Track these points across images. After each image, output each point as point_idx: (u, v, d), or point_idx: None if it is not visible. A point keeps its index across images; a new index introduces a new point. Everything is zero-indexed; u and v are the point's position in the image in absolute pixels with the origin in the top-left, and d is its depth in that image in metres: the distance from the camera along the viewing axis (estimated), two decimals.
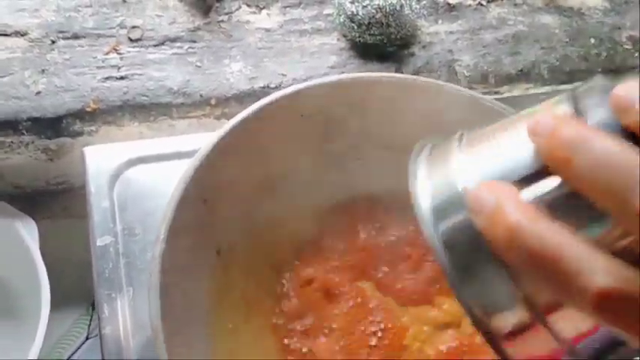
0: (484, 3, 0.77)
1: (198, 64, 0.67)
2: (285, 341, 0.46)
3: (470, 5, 0.76)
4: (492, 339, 0.24)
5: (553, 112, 0.24)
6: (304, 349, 0.46)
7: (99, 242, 0.54)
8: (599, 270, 0.20)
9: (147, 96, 0.64)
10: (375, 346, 0.46)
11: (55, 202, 0.72)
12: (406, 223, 0.52)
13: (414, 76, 0.52)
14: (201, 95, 0.65)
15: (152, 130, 0.65)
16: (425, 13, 0.73)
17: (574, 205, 0.22)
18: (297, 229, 0.50)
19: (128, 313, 0.52)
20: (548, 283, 0.21)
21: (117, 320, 0.51)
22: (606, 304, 0.20)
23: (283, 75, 0.67)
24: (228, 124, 0.47)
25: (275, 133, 0.49)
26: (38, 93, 0.63)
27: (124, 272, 0.53)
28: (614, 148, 0.20)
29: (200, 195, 0.45)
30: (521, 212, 0.22)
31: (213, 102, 0.65)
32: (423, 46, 0.72)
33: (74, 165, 0.68)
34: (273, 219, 0.49)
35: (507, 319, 0.23)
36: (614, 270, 0.20)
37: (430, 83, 0.52)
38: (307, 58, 0.69)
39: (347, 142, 0.52)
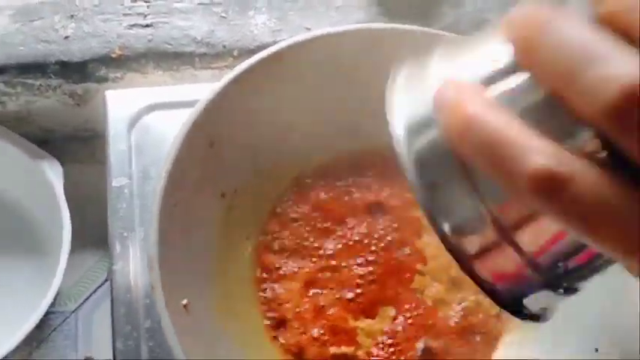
0: None
1: (223, 14, 0.67)
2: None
3: None
4: (460, 258, 0.24)
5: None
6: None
7: (114, 183, 0.56)
8: (535, 150, 0.20)
9: (171, 44, 0.65)
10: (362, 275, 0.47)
11: (80, 148, 0.75)
12: None
13: (421, 28, 0.51)
14: (224, 46, 0.66)
15: (175, 79, 0.66)
16: None
17: (537, 101, 0.21)
18: (300, 177, 0.50)
19: (139, 252, 0.53)
20: (495, 174, 0.21)
21: (127, 257, 0.53)
22: (541, 185, 0.19)
23: (307, 29, 0.67)
24: (237, 68, 0.47)
25: (284, 81, 0.49)
26: (66, 37, 0.64)
27: (137, 213, 0.55)
28: (573, 30, 0.20)
29: (207, 137, 0.46)
30: (478, 104, 0.21)
31: (235, 53, 0.66)
32: (453, 5, 0.70)
33: (99, 111, 0.70)
34: (277, 167, 0.50)
35: (474, 239, 0.23)
36: (549, 151, 0.20)
37: (440, 34, 0.51)
38: (333, 13, 0.68)
39: (356, 93, 0.51)
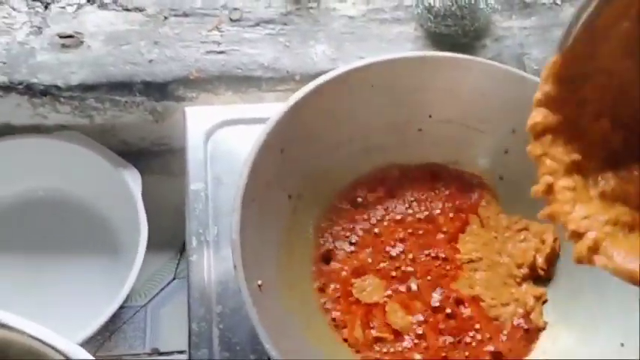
0: (559, 2, 0.81)
1: (287, 44, 0.75)
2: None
3: (544, 4, 0.80)
4: None
5: None
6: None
7: (192, 187, 0.63)
8: None
9: (241, 69, 0.73)
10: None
11: (155, 160, 0.83)
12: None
13: (476, 57, 0.58)
14: (287, 72, 0.74)
15: (243, 100, 0.74)
16: (499, 8, 0.79)
17: None
18: (352, 184, 0.57)
19: (212, 247, 0.60)
20: None
21: (202, 251, 0.60)
22: None
23: (362, 58, 0.74)
24: (307, 87, 0.54)
25: (347, 100, 0.57)
26: (151, 61, 0.73)
27: (211, 213, 0.62)
28: None
29: (278, 144, 0.53)
30: None
31: (297, 78, 0.73)
32: (495, 39, 0.77)
33: (176, 127, 0.78)
34: (336, 174, 0.57)
35: None
36: None
37: (489, 64, 0.57)
38: (385, 44, 0.76)
39: (410, 113, 0.58)
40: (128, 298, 0.74)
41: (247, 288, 0.45)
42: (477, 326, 0.53)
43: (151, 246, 0.71)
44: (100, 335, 0.73)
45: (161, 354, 0.73)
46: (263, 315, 0.45)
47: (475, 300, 0.54)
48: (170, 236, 0.80)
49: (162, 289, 0.77)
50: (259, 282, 0.47)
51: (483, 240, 0.57)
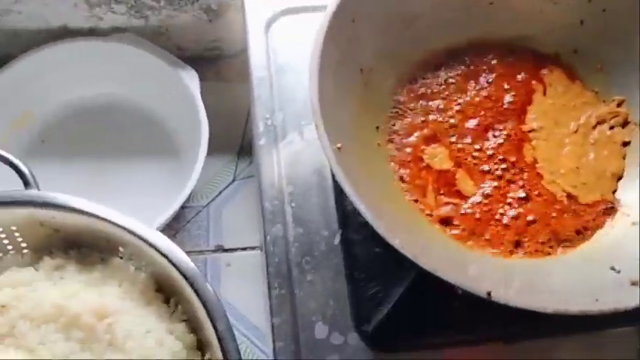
0: None
1: None
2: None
3: None
4: None
5: None
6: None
7: (256, 74, 0.63)
8: None
9: None
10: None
11: (210, 66, 0.83)
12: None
13: None
14: None
15: None
16: None
17: None
18: (424, 59, 0.56)
19: (280, 132, 0.60)
20: None
21: (270, 136, 0.60)
22: None
23: None
24: None
25: None
26: None
27: (277, 100, 0.62)
28: None
29: (349, 14, 0.52)
30: None
31: None
32: None
33: (230, 28, 0.78)
34: (408, 49, 0.56)
35: None
36: None
37: None
38: None
39: None
40: (190, 198, 0.75)
41: (330, 147, 0.45)
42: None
43: (209, 149, 0.71)
44: (165, 233, 0.74)
45: (225, 250, 0.74)
46: (346, 173, 0.45)
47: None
48: (228, 140, 0.80)
49: (223, 190, 0.78)
50: (339, 145, 0.47)
51: (545, 109, 0.56)
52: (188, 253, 0.75)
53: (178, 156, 0.77)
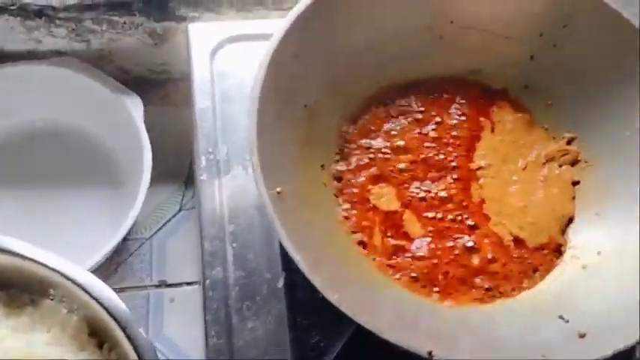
0: None
1: None
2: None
3: None
4: None
5: None
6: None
7: (199, 105, 0.60)
8: None
9: None
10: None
11: (156, 90, 0.79)
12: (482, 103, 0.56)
13: None
14: None
15: (248, 20, 0.70)
16: None
17: None
18: (371, 95, 0.54)
19: (222, 166, 0.57)
20: None
21: (212, 171, 0.57)
22: None
23: None
24: None
25: (362, 5, 0.53)
26: None
27: (220, 132, 0.59)
28: None
29: (292, 50, 0.50)
30: None
31: None
32: None
33: (176, 52, 0.75)
34: (354, 84, 0.54)
35: None
36: None
37: None
38: None
39: (429, 20, 0.55)
40: (133, 229, 0.72)
41: (267, 193, 0.43)
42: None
43: (155, 178, 0.68)
44: (105, 267, 0.71)
45: (168, 285, 0.71)
46: (284, 221, 0.42)
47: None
48: (174, 168, 0.77)
49: (168, 221, 0.75)
50: (278, 189, 0.45)
51: (493, 146, 0.55)
52: (130, 288, 0.73)
53: (121, 185, 0.73)
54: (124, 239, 0.68)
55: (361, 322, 0.39)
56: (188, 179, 0.77)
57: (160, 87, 0.79)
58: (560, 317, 0.45)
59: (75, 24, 0.69)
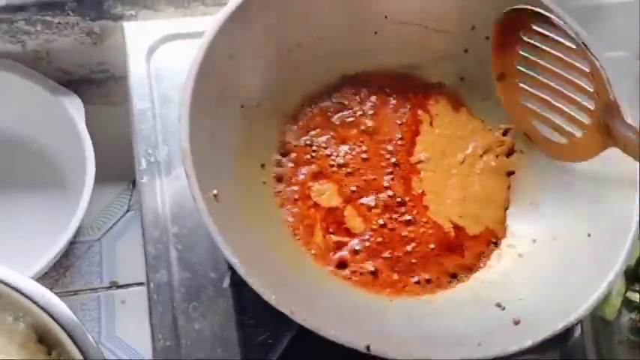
0: None
1: None
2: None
3: None
4: None
5: None
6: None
7: (138, 106, 0.59)
8: None
9: None
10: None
11: (98, 90, 0.78)
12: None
13: None
14: None
15: (187, 17, 0.70)
16: None
17: None
18: (309, 92, 0.54)
19: (163, 167, 0.57)
20: None
21: (153, 172, 0.57)
22: None
23: None
24: None
25: (293, 2, 0.53)
26: None
27: (160, 133, 0.58)
28: None
29: (226, 50, 0.49)
30: None
31: None
32: None
33: (116, 51, 0.73)
34: (289, 80, 0.54)
35: None
36: None
37: None
38: None
39: (362, 15, 0.55)
40: (81, 232, 0.71)
41: (202, 197, 0.42)
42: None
43: (101, 179, 0.67)
44: (54, 272, 0.70)
45: (120, 287, 0.71)
46: (220, 225, 0.42)
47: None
48: (120, 168, 0.76)
49: (116, 222, 0.74)
50: (215, 191, 0.45)
51: (432, 140, 0.55)
52: (81, 291, 0.72)
53: (64, 188, 0.72)
54: (72, 242, 0.68)
55: (299, 320, 0.39)
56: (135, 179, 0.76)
57: (101, 86, 0.78)
58: (498, 305, 0.46)
59: (7, 25, 0.67)
